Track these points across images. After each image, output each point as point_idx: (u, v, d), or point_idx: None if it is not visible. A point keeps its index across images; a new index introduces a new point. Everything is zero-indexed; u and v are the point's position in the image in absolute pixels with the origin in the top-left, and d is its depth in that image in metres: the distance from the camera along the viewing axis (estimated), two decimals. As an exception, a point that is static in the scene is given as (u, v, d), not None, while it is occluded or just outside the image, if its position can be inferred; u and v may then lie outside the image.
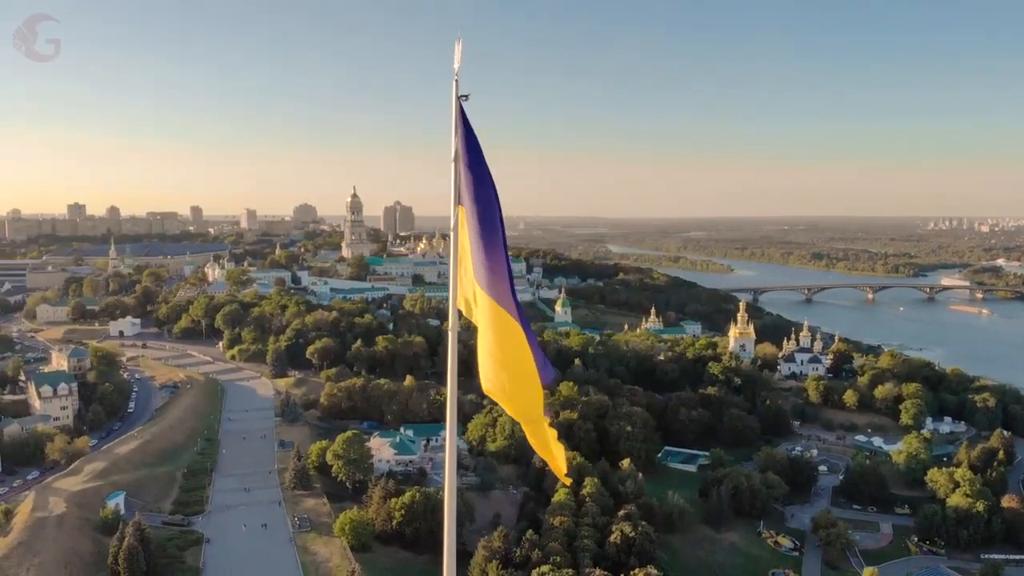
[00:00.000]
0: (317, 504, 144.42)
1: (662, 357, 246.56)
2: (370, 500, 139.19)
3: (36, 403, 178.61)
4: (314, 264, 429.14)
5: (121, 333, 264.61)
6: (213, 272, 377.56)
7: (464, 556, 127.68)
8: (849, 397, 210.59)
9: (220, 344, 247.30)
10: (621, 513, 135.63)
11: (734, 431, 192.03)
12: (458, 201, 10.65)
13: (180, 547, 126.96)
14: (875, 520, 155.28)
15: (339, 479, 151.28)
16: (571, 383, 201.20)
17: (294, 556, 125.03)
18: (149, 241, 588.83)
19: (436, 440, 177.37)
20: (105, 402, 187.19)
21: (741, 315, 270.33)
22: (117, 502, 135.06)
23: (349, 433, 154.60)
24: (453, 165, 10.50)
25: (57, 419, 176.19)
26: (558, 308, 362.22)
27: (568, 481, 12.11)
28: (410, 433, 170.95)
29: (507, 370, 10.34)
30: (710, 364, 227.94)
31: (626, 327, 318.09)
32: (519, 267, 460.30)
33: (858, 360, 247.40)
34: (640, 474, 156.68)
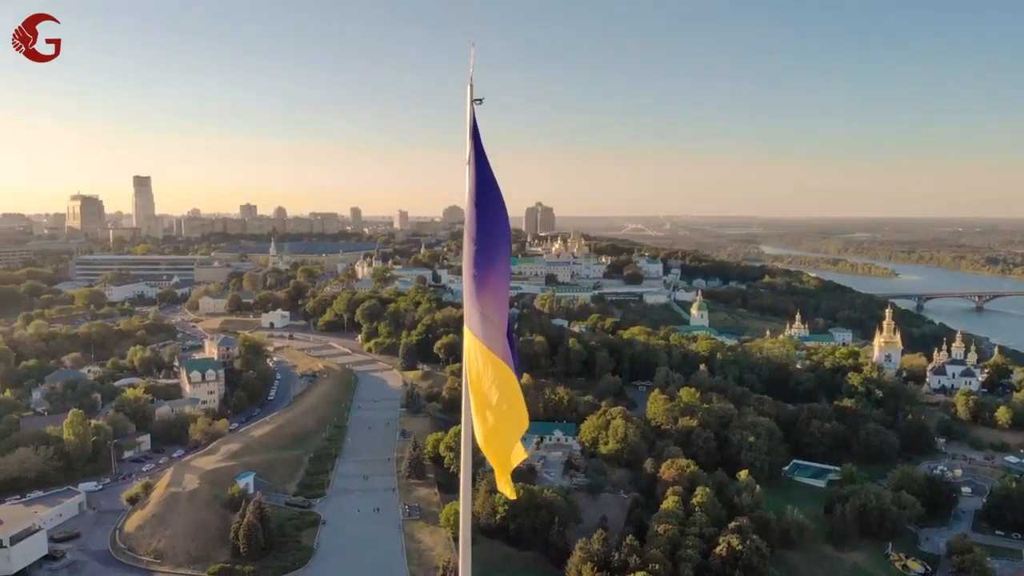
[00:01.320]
0: (428, 493, 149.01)
1: (799, 366, 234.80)
2: (476, 493, 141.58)
3: (187, 387, 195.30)
4: (454, 263, 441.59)
5: (271, 324, 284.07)
6: (361, 269, 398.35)
7: (567, 556, 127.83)
8: (1002, 414, 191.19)
9: (359, 337, 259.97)
10: (732, 525, 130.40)
11: (870, 446, 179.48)
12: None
13: (298, 527, 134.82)
14: (1018, 547, 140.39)
15: (451, 470, 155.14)
16: (693, 389, 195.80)
17: (401, 542, 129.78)
18: (309, 240, 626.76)
19: (550, 439, 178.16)
20: (248, 388, 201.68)
21: (887, 323, 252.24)
22: (247, 481, 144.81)
23: (460, 426, 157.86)
24: (467, 168, 10.31)
25: (205, 403, 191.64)
26: (694, 311, 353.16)
27: (512, 495, 10.96)
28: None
29: (498, 417, 10.07)
30: (849, 375, 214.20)
31: (768, 333, 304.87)
32: (655, 268, 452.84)
33: (1018, 375, 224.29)
34: (758, 486, 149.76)
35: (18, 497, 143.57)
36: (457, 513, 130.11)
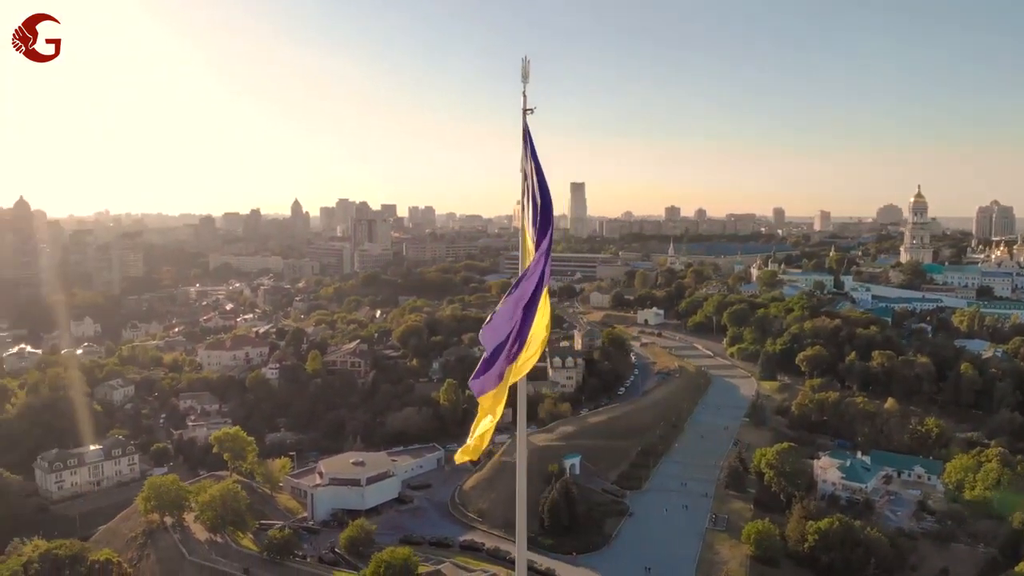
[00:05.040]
0: (742, 507, 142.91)
1: None
2: (788, 517, 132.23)
3: (550, 371, 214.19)
4: (864, 269, 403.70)
5: (646, 321, 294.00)
6: (755, 272, 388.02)
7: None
8: None
9: (724, 341, 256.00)
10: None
11: None
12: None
13: (605, 514, 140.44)
14: None
15: (771, 488, 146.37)
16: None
17: (696, 550, 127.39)
18: (718, 241, 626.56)
19: (908, 475, 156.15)
20: (602, 378, 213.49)
21: None
22: (573, 463, 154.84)
23: (784, 445, 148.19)
24: (521, 176, 11.49)
25: (563, 387, 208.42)
26: None
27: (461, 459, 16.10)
28: (866, 460, 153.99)
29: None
30: None
31: None
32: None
33: None
34: None
35: (400, 448, 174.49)
36: (759, 532, 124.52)
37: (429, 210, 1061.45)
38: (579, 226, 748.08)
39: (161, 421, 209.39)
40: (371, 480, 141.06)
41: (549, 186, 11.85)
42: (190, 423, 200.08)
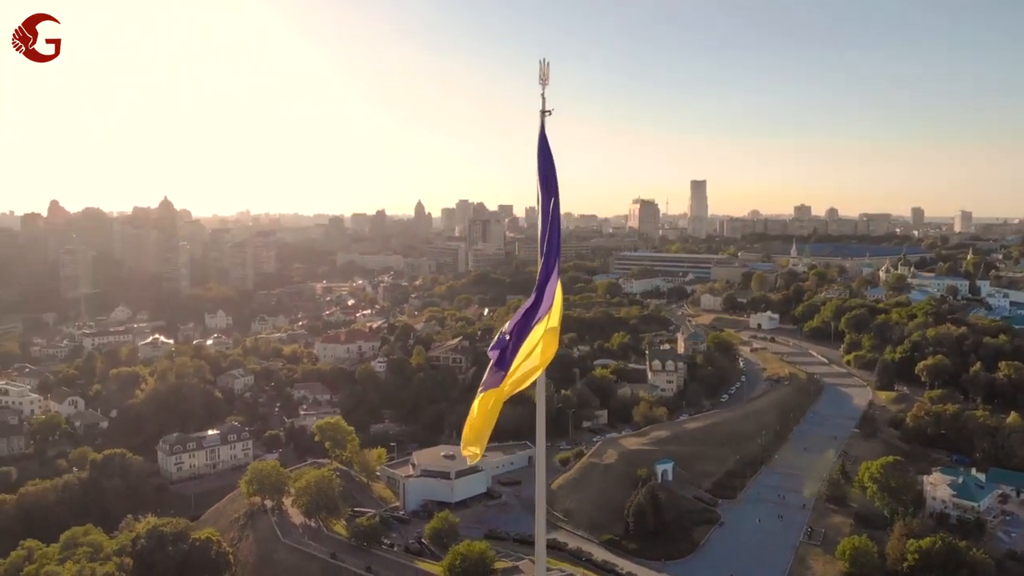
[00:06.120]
0: (841, 522, 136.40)
1: None
2: (889, 534, 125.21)
3: (650, 374, 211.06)
4: (1004, 273, 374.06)
5: (759, 325, 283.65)
6: (883, 275, 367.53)
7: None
8: None
9: (841, 347, 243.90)
10: None
11: None
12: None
13: (694, 522, 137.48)
14: None
15: (875, 503, 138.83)
16: None
17: (787, 563, 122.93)
18: (848, 242, 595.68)
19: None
20: (704, 383, 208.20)
21: None
22: (665, 468, 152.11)
23: (890, 458, 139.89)
24: (537, 182, 11.40)
25: (663, 390, 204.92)
26: None
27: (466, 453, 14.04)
28: (981, 477, 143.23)
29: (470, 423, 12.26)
30: None
31: None
32: None
33: None
34: None
35: (493, 444, 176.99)
36: (855, 548, 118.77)
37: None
38: (698, 225, 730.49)
39: (276, 409, 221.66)
40: (460, 474, 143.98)
41: (563, 192, 11.31)
42: (302, 412, 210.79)
